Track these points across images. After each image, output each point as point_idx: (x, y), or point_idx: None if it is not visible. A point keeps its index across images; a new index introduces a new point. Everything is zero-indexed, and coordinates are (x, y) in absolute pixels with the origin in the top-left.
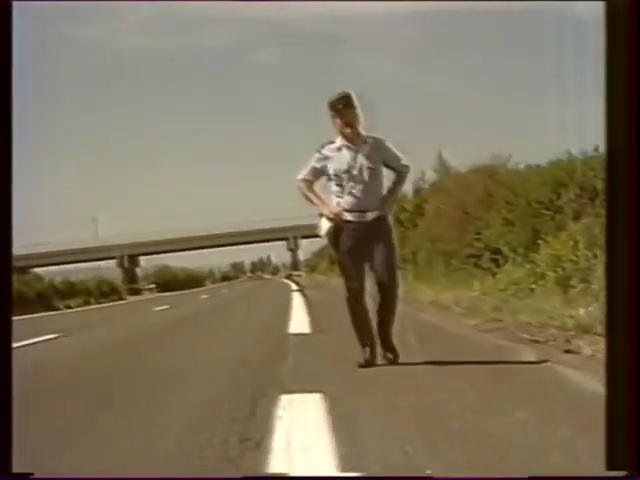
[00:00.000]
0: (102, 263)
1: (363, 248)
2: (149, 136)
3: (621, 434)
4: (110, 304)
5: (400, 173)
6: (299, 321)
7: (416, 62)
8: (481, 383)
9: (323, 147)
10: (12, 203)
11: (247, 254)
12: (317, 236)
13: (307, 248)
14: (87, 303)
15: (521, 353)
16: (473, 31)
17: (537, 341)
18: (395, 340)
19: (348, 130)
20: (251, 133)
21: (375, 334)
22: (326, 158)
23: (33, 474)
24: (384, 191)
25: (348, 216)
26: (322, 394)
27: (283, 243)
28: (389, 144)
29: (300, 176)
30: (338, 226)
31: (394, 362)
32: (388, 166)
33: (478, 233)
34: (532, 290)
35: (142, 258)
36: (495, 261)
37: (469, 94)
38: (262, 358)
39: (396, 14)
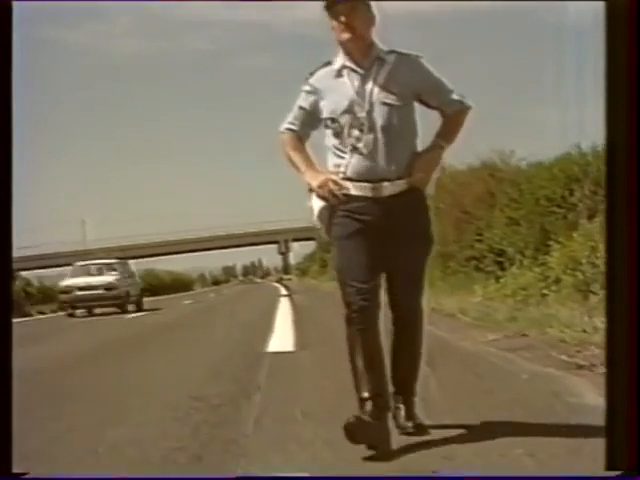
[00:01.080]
0: None
1: (376, 244)
2: (139, 139)
3: (621, 434)
4: None
5: (450, 115)
6: (282, 334)
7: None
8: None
9: (314, 73)
10: (12, 206)
11: (239, 257)
12: (309, 239)
13: (298, 251)
14: (63, 309)
15: (570, 386)
16: (470, 33)
17: (581, 366)
18: None
19: (346, 36)
20: (242, 136)
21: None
22: (317, 91)
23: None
24: (417, 147)
25: (351, 189)
26: None
27: (274, 246)
28: (427, 65)
29: (284, 125)
30: (335, 206)
31: (413, 434)
32: (426, 103)
33: (479, 234)
34: (544, 296)
35: (131, 262)
36: (499, 264)
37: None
38: (221, 395)
39: (393, 16)
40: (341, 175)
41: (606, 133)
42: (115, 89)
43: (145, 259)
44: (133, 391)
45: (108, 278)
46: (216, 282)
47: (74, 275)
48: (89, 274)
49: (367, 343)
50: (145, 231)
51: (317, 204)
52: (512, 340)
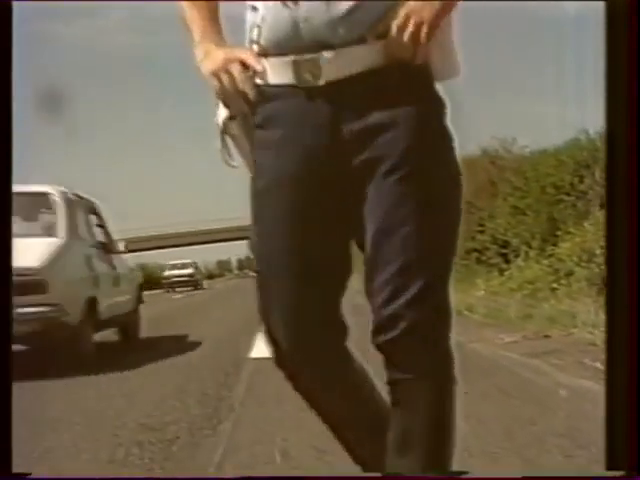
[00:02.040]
0: None
1: (329, 201)
2: (134, 133)
3: (621, 434)
4: None
5: None
6: None
7: None
8: None
9: None
10: (12, 203)
11: (234, 251)
12: None
13: None
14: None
15: None
16: (470, 29)
17: None
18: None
19: None
20: None
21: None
22: None
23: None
24: None
25: (269, 73)
26: None
27: None
28: None
29: None
30: (245, 117)
31: None
32: None
33: (481, 224)
34: (553, 290)
35: (128, 256)
36: (503, 256)
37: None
38: (181, 421)
39: None
40: (255, 47)
41: (606, 136)
42: (110, 85)
43: (138, 253)
44: (67, 415)
45: (189, 270)
46: (210, 276)
47: (169, 269)
48: (177, 268)
49: (328, 401)
50: (138, 225)
51: (222, 112)
52: (533, 342)
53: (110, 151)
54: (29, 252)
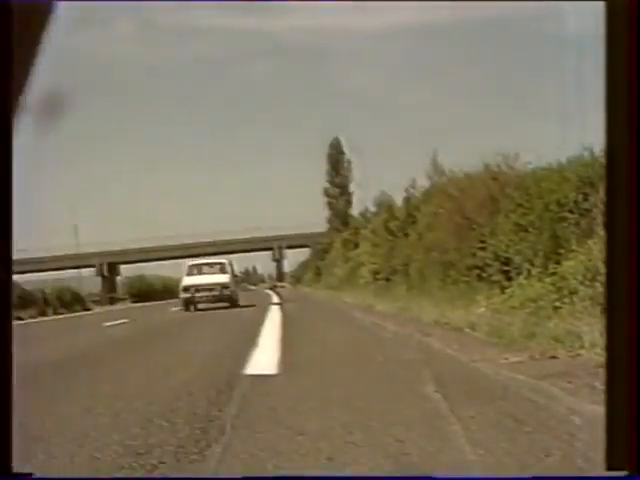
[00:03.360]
0: (83, 271)
1: None
2: (133, 145)
3: (621, 434)
4: (67, 315)
5: None
6: (266, 350)
7: (408, 76)
8: None
9: None
10: (12, 205)
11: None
12: (303, 246)
13: (292, 259)
14: (43, 314)
15: None
16: (467, 46)
17: None
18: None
19: None
20: (236, 142)
21: None
22: None
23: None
24: None
25: None
26: None
27: (269, 253)
28: None
29: None
30: None
31: None
32: None
33: (482, 241)
34: (556, 309)
35: (123, 267)
36: (505, 273)
37: (460, 107)
38: (166, 444)
39: (398, 28)
40: None
41: (606, 138)
42: (112, 95)
43: (137, 264)
44: (45, 432)
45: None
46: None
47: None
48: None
49: None
50: (137, 236)
51: None
52: (540, 363)
53: (109, 163)
54: (222, 278)
